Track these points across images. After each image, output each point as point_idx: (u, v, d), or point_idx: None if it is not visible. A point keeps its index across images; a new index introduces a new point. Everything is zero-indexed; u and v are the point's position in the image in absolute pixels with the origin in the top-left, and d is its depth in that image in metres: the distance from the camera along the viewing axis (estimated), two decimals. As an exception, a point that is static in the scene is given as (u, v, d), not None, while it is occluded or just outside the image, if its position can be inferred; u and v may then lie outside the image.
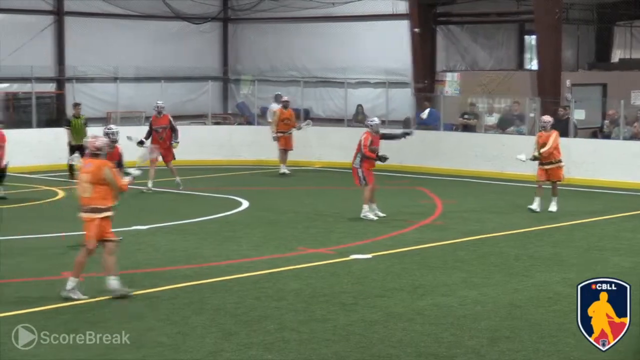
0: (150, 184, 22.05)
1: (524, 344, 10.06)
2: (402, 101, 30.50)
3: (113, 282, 12.05)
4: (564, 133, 22.82)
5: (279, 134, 26.24)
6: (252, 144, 29.11)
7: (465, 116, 28.05)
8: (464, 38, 32.03)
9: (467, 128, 27.97)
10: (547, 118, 20.06)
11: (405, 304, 11.85)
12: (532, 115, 26.55)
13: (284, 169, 26.10)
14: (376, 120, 19.06)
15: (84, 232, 12.23)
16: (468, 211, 19.95)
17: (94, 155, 12.22)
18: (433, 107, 28.78)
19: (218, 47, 36.21)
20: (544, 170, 19.65)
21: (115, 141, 15.29)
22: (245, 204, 20.58)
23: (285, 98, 27.10)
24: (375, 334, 10.47)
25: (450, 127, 28.32)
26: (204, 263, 14.34)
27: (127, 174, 13.32)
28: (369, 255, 14.82)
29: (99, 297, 12.04)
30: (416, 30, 29.89)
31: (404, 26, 30.65)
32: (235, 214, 19.45)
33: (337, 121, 30.92)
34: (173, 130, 22.95)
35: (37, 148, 27.39)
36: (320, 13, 33.04)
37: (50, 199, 21.65)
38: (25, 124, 28.87)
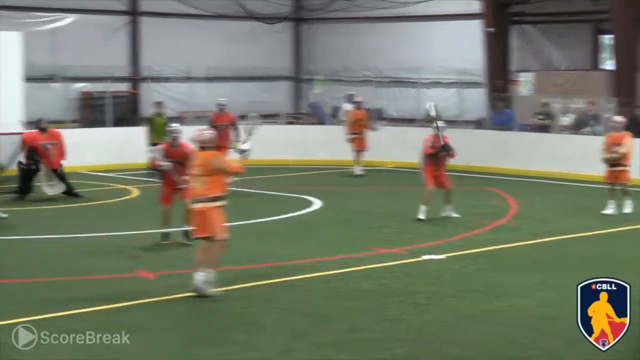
0: None
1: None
2: (475, 101, 30.29)
3: (201, 278, 12.03)
4: (638, 134, 22.42)
5: (353, 136, 26.11)
6: (325, 144, 29.05)
7: (539, 116, 27.78)
8: (538, 37, 31.69)
9: (541, 128, 27.69)
10: (619, 118, 19.61)
11: (480, 305, 11.73)
12: (607, 115, 26.18)
13: (358, 171, 25.96)
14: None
15: (198, 224, 12.20)
16: (542, 212, 19.72)
17: (202, 148, 12.35)
18: (507, 107, 28.58)
19: (290, 46, 36.30)
20: (612, 172, 19.18)
21: (176, 139, 15.45)
22: (317, 203, 20.56)
23: (358, 99, 26.72)
24: (449, 335, 10.37)
25: (524, 128, 28.06)
26: (277, 262, 14.34)
27: (242, 151, 13.12)
28: (443, 256, 14.70)
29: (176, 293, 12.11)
30: (490, 29, 29.66)
31: (477, 26, 30.44)
32: (307, 213, 19.44)
33: (409, 121, 30.80)
34: (236, 129, 22.46)
35: (110, 147, 27.70)
36: (392, 13, 32.96)
37: (124, 198, 21.84)
38: (100, 123, 29.22)
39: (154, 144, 23.61)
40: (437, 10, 31.98)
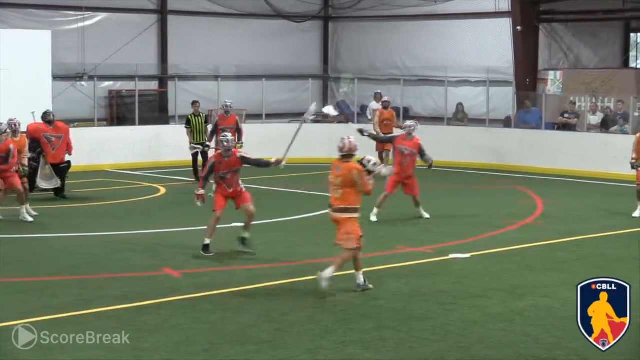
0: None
1: (629, 347, 9.83)
2: (503, 100, 30.21)
3: (360, 278, 12.50)
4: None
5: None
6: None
7: (566, 115, 27.69)
8: (567, 36, 31.55)
9: (567, 127, 27.60)
10: None
11: (505, 305, 11.72)
12: (636, 114, 26.07)
13: (385, 171, 25.76)
14: (408, 123, 18.75)
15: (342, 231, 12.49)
16: (569, 211, 19.68)
17: (344, 157, 12.48)
18: (534, 105, 28.53)
19: (318, 45, 36.32)
20: None
21: (229, 149, 14.76)
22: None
23: (385, 98, 26.44)
24: (474, 334, 10.38)
25: (551, 126, 27.99)
26: (302, 260, 14.38)
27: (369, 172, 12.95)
28: (468, 255, 14.70)
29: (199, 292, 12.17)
30: (519, 28, 29.57)
31: (505, 24, 30.34)
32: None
33: (437, 120, 30.76)
34: (238, 132, 21.96)
35: (139, 145, 27.85)
36: (421, 11, 32.90)
37: (151, 196, 21.95)
38: (128, 121, 29.36)
39: (197, 143, 23.55)
40: (465, 8, 31.89)
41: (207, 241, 14.70)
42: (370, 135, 18.96)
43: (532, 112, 28.30)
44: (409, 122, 18.83)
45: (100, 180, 24.33)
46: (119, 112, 30.52)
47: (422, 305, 11.63)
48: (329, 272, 12.16)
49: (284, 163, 14.84)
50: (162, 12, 32.20)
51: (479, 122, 30.07)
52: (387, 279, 13.15)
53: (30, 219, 17.99)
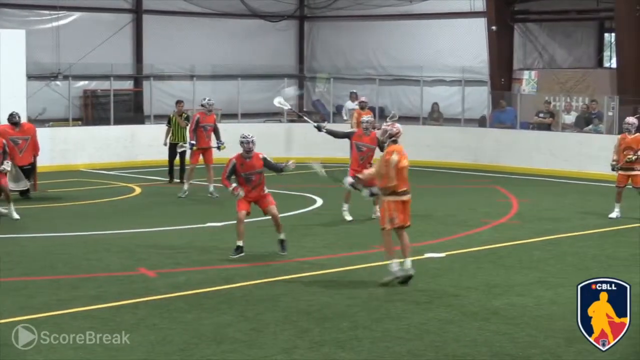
0: (186, 187, 21.43)
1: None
2: (478, 100, 30.31)
3: (407, 264, 12.70)
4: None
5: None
6: (327, 142, 28.90)
7: (541, 115, 27.81)
8: (542, 36, 31.67)
9: (542, 126, 27.72)
10: (632, 120, 18.73)
11: (480, 304, 11.75)
12: (610, 114, 26.20)
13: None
14: (365, 118, 18.64)
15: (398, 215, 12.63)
16: (544, 210, 19.75)
17: (394, 142, 12.80)
18: (509, 105, 28.64)
19: (294, 44, 36.32)
20: (626, 176, 18.46)
21: (251, 150, 14.54)
22: (319, 201, 20.60)
23: (362, 98, 26.31)
24: (450, 333, 10.40)
25: (525, 126, 28.10)
26: (278, 260, 14.37)
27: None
28: (443, 254, 14.74)
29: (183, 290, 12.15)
30: (493, 28, 29.68)
31: (480, 24, 30.46)
32: (310, 211, 19.48)
33: (412, 119, 30.80)
34: (216, 130, 21.77)
35: (114, 145, 27.76)
36: (396, 11, 32.98)
37: (126, 196, 21.88)
38: (103, 121, 29.25)
39: (174, 144, 23.40)
40: (441, 8, 32.01)
41: (239, 243, 14.56)
42: (328, 131, 18.78)
43: (507, 111, 28.42)
44: (365, 118, 18.73)
45: (75, 180, 24.21)
46: (93, 112, 30.40)
47: (398, 305, 11.63)
48: (408, 263, 12.66)
49: (292, 162, 14.81)
50: (137, 12, 32.12)
51: (454, 121, 30.16)
52: (362, 278, 13.16)
53: (17, 217, 17.98)
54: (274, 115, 32.26)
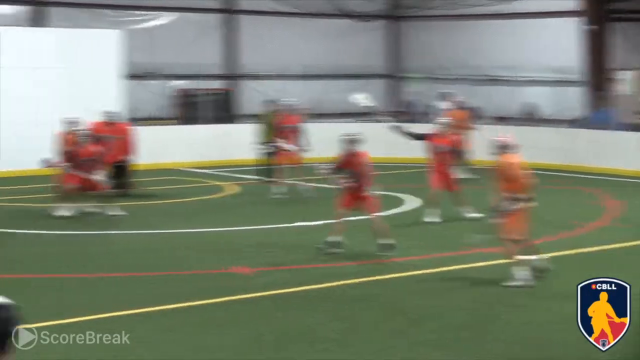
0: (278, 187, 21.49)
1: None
2: (573, 100, 29.88)
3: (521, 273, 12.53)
4: None
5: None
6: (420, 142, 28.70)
7: (638, 115, 27.30)
8: (639, 35, 31.11)
9: (640, 127, 27.21)
10: None
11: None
12: None
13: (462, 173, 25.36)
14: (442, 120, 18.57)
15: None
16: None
17: (505, 152, 12.90)
18: (606, 106, 28.16)
19: (385, 44, 36.20)
20: None
21: (353, 149, 14.73)
22: (410, 202, 20.41)
23: (459, 98, 26.12)
24: (549, 336, 10.20)
25: (622, 127, 27.57)
26: (371, 260, 14.26)
27: None
28: (546, 256, 14.46)
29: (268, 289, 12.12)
30: (589, 27, 29.22)
31: (575, 23, 30.03)
32: (402, 212, 19.30)
33: (506, 119, 30.47)
34: (300, 132, 21.69)
35: (206, 144, 27.94)
36: (489, 10, 32.65)
37: (218, 194, 21.97)
38: (196, 120, 29.48)
39: (267, 143, 23.38)
40: (534, 7, 31.62)
41: (336, 238, 14.61)
42: (409, 133, 18.57)
43: (604, 112, 27.89)
44: (443, 119, 18.65)
45: (170, 178, 24.47)
46: (187, 111, 30.68)
47: (493, 306, 11.46)
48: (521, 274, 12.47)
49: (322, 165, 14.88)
50: (230, 12, 32.34)
51: (549, 122, 29.74)
52: (457, 279, 12.99)
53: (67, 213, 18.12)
54: (363, 115, 32.13)
